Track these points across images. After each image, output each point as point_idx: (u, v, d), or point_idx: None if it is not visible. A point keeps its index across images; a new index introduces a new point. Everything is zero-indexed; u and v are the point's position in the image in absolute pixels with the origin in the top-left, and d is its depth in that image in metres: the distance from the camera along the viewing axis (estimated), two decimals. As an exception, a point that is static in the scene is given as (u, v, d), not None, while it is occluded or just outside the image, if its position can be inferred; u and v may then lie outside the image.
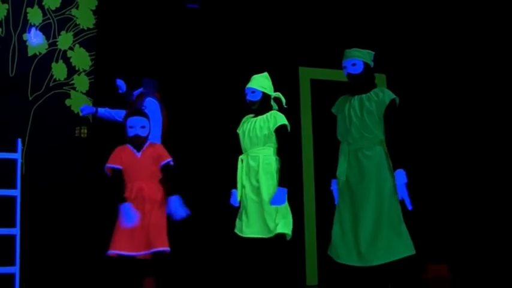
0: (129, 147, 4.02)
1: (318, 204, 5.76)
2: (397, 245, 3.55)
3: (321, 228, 5.64)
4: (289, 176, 3.90)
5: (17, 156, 4.28)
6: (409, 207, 3.54)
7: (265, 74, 4.13)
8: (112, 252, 3.73)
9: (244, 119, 4.15)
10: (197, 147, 5.32)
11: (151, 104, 4.31)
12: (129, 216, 3.74)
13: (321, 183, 5.58)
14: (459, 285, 5.51)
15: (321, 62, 6.00)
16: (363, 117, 3.72)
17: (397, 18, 6.35)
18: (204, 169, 5.30)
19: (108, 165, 3.97)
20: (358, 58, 3.77)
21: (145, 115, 4.01)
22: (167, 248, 3.83)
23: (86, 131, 4.53)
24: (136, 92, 4.38)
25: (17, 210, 4.14)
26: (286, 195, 3.85)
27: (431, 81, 6.35)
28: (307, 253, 5.66)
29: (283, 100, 4.16)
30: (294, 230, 3.88)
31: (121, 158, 3.99)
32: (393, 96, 3.72)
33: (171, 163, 4.02)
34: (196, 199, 4.31)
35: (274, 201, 3.83)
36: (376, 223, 3.57)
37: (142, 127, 3.98)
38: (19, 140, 4.34)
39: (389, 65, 6.07)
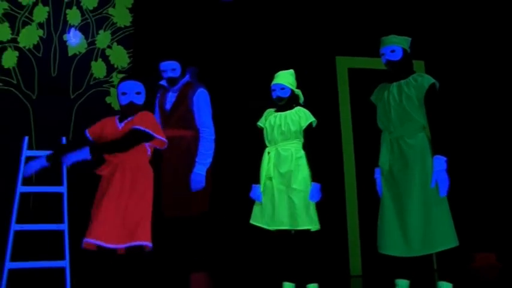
0: (115, 118, 3.58)
1: (359, 194, 5.71)
2: (444, 235, 3.49)
3: (363, 218, 5.60)
4: (321, 171, 3.96)
5: (62, 153, 4.37)
6: (441, 194, 3.48)
7: (292, 71, 4.18)
8: (89, 241, 3.29)
9: (267, 112, 4.19)
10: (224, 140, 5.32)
11: (204, 95, 4.16)
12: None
13: (362, 172, 5.56)
14: (508, 274, 5.39)
15: (358, 50, 5.94)
16: (402, 103, 3.66)
17: (433, 2, 6.24)
18: (223, 162, 5.28)
19: (86, 133, 3.61)
20: (396, 44, 3.72)
21: (139, 81, 3.55)
22: (148, 243, 3.35)
23: None
24: (182, 82, 4.19)
25: (64, 206, 4.24)
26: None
27: (471, 67, 6.22)
28: (351, 243, 5.62)
29: (302, 98, 4.21)
30: (337, 221, 3.88)
31: (101, 129, 3.54)
32: (432, 80, 3.65)
33: (140, 129, 3.44)
34: (217, 193, 4.31)
35: (312, 197, 3.89)
36: (423, 212, 3.52)
37: (138, 93, 3.52)
38: (63, 138, 4.45)
39: (427, 51, 5.97)
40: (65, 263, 4.11)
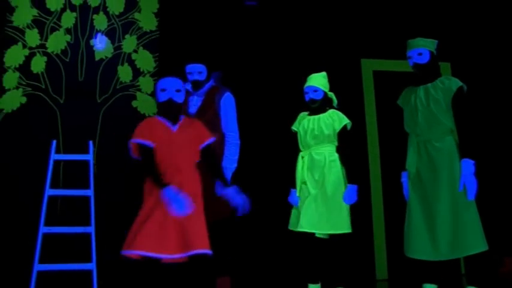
0: (159, 119, 3.33)
1: (385, 198, 5.67)
2: (473, 239, 3.44)
3: (389, 222, 5.55)
4: (356, 173, 3.97)
5: (89, 157, 4.43)
6: (470, 198, 3.44)
7: (324, 73, 4.18)
8: (135, 252, 3.06)
9: (301, 116, 4.19)
10: (252, 144, 5.33)
11: (230, 99, 4.13)
12: (180, 201, 3.04)
13: (388, 176, 5.50)
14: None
15: (383, 53, 5.90)
16: (429, 106, 3.64)
17: (458, 4, 6.16)
18: (257, 166, 5.29)
19: (136, 140, 3.21)
20: (424, 47, 3.70)
21: (179, 78, 3.37)
22: (208, 251, 3.16)
23: None
24: (207, 85, 4.16)
25: (91, 209, 4.28)
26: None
27: (497, 69, 6.12)
28: (376, 247, 5.58)
29: (335, 100, 4.22)
30: (363, 224, 3.87)
31: (151, 131, 3.23)
32: (460, 83, 3.62)
33: (211, 146, 3.39)
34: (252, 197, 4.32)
35: (348, 199, 3.90)
36: (451, 216, 3.48)
37: (178, 91, 3.31)
38: (91, 142, 4.50)
39: (453, 53, 5.90)
40: (92, 266, 4.15)
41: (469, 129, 3.54)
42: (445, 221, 3.50)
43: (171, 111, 3.30)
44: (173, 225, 3.09)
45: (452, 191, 3.51)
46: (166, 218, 3.09)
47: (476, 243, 3.45)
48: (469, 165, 3.46)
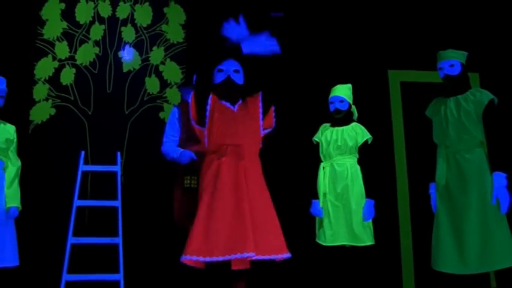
0: (217, 99, 3.16)
1: (412, 210, 5.60)
2: (504, 253, 3.39)
3: (416, 234, 5.48)
4: (376, 186, 3.99)
5: (117, 168, 4.46)
6: (503, 211, 3.40)
7: (350, 85, 4.20)
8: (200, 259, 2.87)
9: (323, 127, 4.19)
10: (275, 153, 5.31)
11: None
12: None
13: (415, 188, 5.45)
14: None
15: (410, 63, 5.85)
16: (460, 118, 3.61)
17: (486, 14, 6.09)
18: (278, 176, 5.26)
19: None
20: (455, 59, 3.68)
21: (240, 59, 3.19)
22: (288, 254, 2.97)
23: (195, 181, 3.90)
24: None
25: (119, 220, 4.31)
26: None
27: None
28: (404, 259, 5.51)
29: (356, 114, 4.24)
30: (389, 236, 3.85)
31: (214, 104, 3.08)
32: (491, 96, 3.61)
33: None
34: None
35: (367, 215, 3.91)
36: (481, 229, 3.43)
37: (236, 71, 3.18)
38: (118, 152, 4.54)
39: (482, 64, 5.83)
40: (119, 276, 4.17)
41: (500, 142, 3.51)
42: (474, 234, 3.45)
43: (230, 93, 3.16)
44: (245, 222, 2.87)
45: (482, 203, 3.47)
46: (233, 217, 2.90)
47: (507, 258, 3.39)
48: (501, 178, 3.42)
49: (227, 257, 2.89)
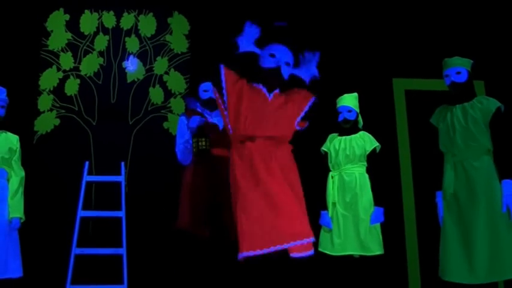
0: (257, 87, 2.97)
1: (418, 219, 5.56)
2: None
3: (423, 243, 5.44)
4: (384, 194, 4.00)
5: (121, 178, 4.46)
6: None
7: (356, 94, 4.21)
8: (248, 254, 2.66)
9: (331, 137, 4.21)
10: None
11: None
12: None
13: (421, 196, 5.42)
14: None
15: (415, 71, 5.84)
16: (468, 125, 3.58)
17: (490, 22, 6.08)
18: None
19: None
20: (462, 66, 3.66)
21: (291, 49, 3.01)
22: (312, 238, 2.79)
23: (204, 143, 3.98)
24: None
25: (123, 230, 4.30)
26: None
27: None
28: (410, 268, 5.46)
29: (361, 122, 4.26)
30: (395, 245, 3.83)
31: (235, 84, 2.86)
32: (499, 104, 3.60)
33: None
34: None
35: (374, 220, 3.90)
36: (489, 238, 3.39)
37: (287, 64, 3.02)
38: (122, 163, 4.53)
39: (487, 71, 5.81)
40: (124, 287, 4.15)
41: (508, 149, 3.48)
42: (483, 242, 3.41)
43: (273, 82, 2.95)
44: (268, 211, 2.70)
45: (491, 211, 3.44)
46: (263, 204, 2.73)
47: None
48: (510, 186, 3.40)
49: (286, 245, 2.72)
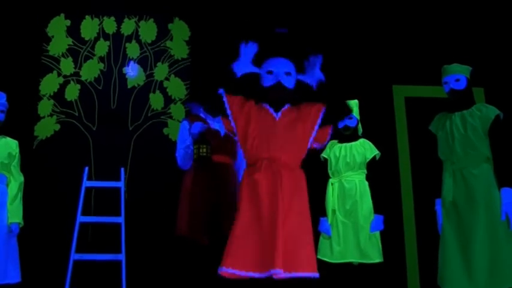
0: (262, 105, 2.85)
1: (418, 226, 5.56)
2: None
3: (422, 251, 5.43)
4: (384, 202, 4.00)
5: (121, 184, 4.46)
6: None
7: (356, 101, 4.20)
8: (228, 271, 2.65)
9: (331, 143, 4.18)
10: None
11: None
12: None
13: (421, 203, 5.41)
14: None
15: (415, 79, 5.84)
16: (467, 133, 3.57)
17: (490, 29, 6.09)
18: None
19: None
20: (461, 73, 3.65)
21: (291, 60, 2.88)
22: (316, 274, 2.70)
23: (205, 150, 3.97)
24: None
25: (122, 236, 4.29)
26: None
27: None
28: (409, 276, 5.45)
29: (361, 130, 4.26)
30: (395, 253, 3.82)
31: (242, 108, 2.77)
32: (498, 111, 3.58)
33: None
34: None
35: (374, 228, 3.90)
36: (489, 246, 3.37)
37: (288, 74, 2.85)
38: (122, 168, 4.53)
39: (487, 79, 5.81)
40: (122, 293, 4.15)
41: (508, 157, 3.47)
42: (483, 251, 3.39)
43: (278, 99, 2.82)
44: (276, 241, 2.61)
45: (490, 220, 3.42)
46: (269, 233, 2.65)
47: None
48: (510, 194, 3.38)
49: (260, 274, 2.65)
